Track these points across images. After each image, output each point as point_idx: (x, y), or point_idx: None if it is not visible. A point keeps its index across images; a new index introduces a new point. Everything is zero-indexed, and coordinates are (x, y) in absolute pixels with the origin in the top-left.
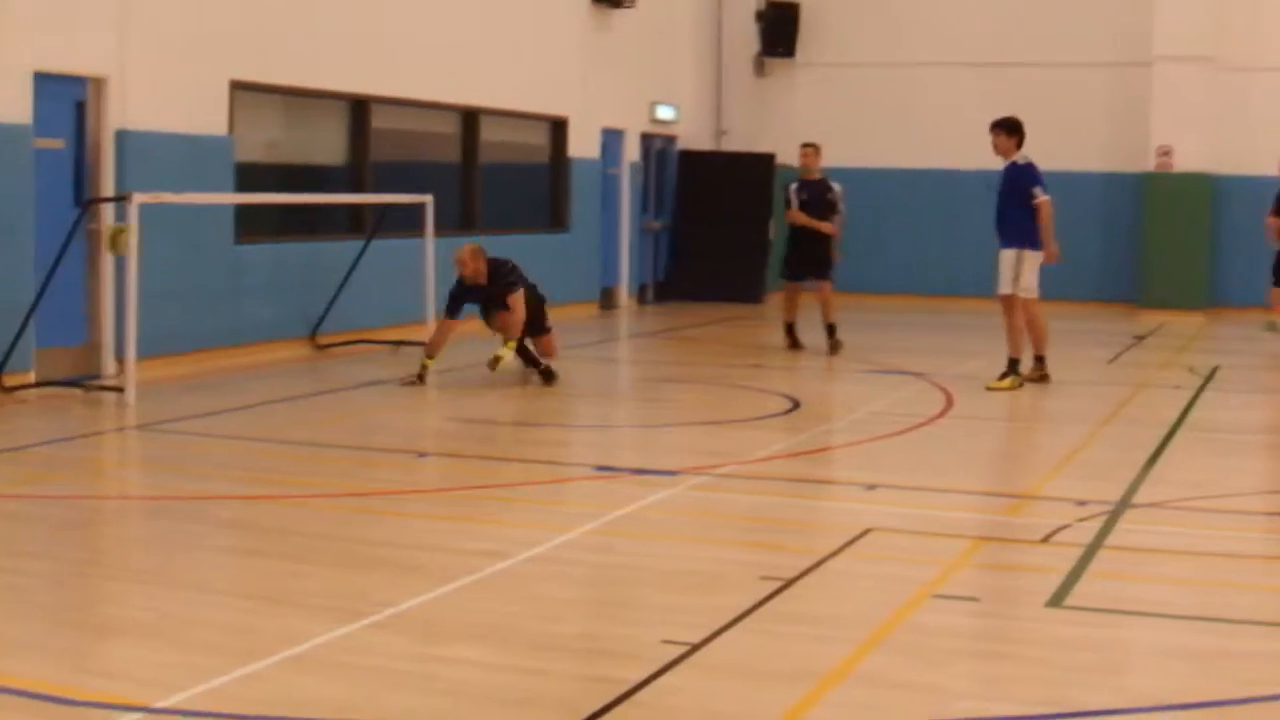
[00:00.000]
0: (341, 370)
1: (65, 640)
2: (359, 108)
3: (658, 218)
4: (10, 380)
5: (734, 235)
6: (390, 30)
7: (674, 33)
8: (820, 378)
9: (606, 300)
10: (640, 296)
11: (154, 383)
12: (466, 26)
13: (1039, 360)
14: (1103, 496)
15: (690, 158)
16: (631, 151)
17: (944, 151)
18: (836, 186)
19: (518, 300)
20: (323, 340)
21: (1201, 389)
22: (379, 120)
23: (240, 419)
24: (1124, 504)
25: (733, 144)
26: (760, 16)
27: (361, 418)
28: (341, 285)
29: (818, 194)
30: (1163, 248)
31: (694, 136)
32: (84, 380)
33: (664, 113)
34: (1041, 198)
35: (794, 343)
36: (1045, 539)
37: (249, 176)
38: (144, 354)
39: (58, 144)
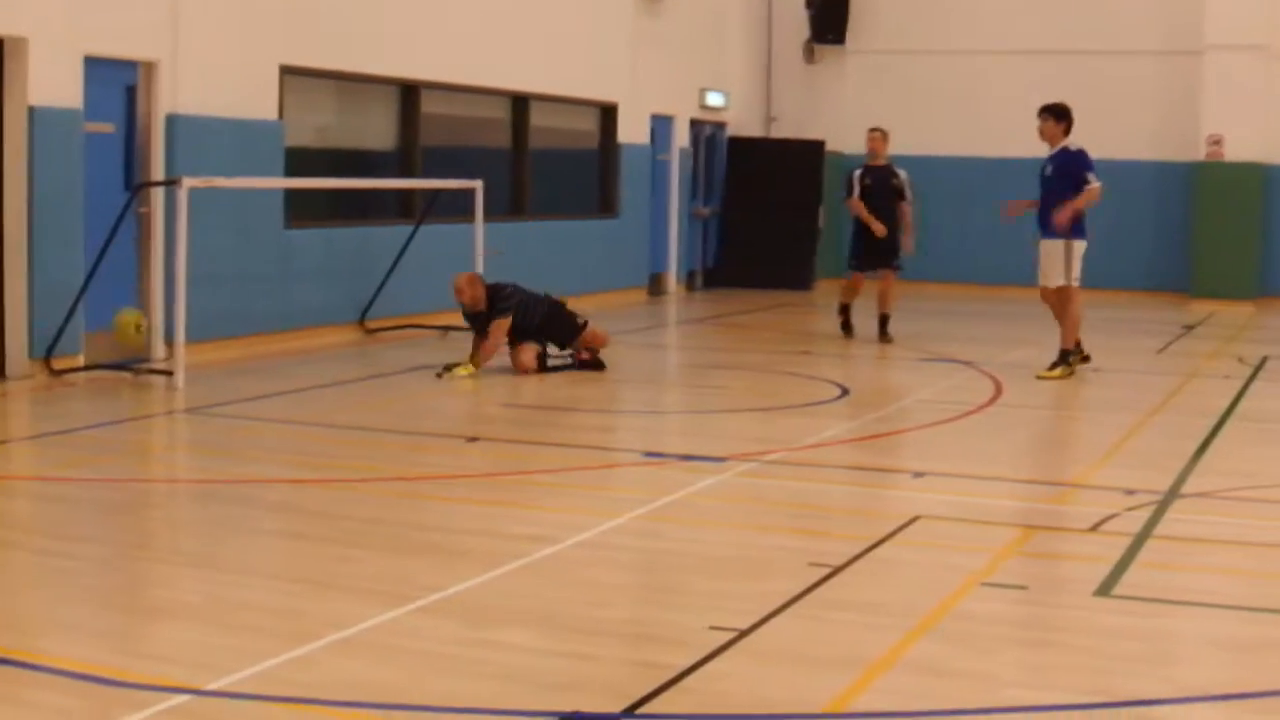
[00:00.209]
0: (390, 355)
1: (114, 623)
2: (409, 93)
3: (707, 204)
4: (59, 364)
5: (783, 222)
6: (440, 15)
7: (724, 19)
8: (869, 365)
9: (655, 286)
10: (689, 283)
11: (203, 366)
12: (517, 12)
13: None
14: (1151, 486)
15: (740, 144)
16: (681, 137)
17: (994, 139)
18: (902, 173)
19: (497, 327)
20: (372, 325)
21: (1251, 379)
22: (429, 105)
23: (289, 403)
24: (1173, 493)
25: (782, 131)
26: (810, 3)
27: (410, 402)
28: (391, 270)
29: (882, 179)
30: (1213, 237)
31: (743, 123)
32: (133, 364)
33: (714, 99)
34: (1095, 184)
35: (846, 325)
36: (1094, 528)
37: (299, 161)
38: (193, 338)
39: (108, 128)
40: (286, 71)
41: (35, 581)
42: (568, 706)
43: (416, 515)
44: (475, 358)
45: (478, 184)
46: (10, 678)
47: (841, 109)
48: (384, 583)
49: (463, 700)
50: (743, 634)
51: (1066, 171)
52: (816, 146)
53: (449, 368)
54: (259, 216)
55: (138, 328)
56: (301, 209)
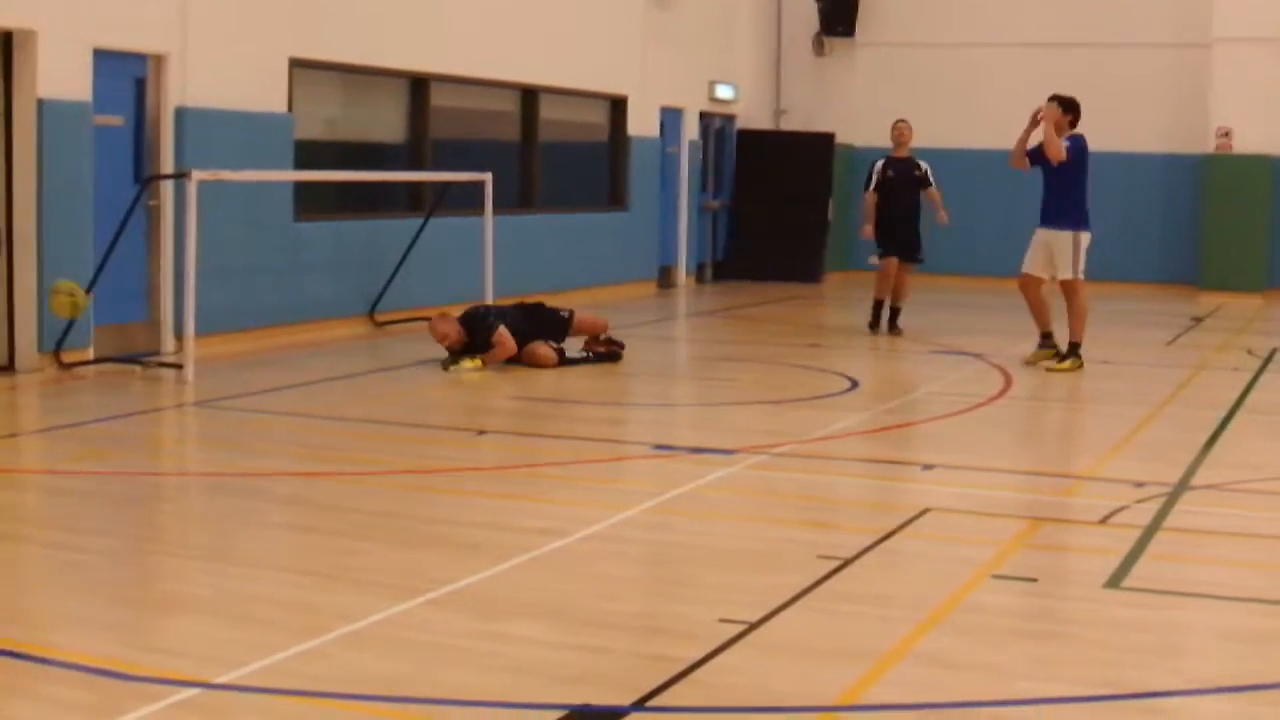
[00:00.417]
0: (400, 348)
1: (124, 616)
2: (418, 86)
3: (716, 197)
4: (69, 357)
5: (792, 215)
6: (450, 8)
7: (733, 11)
8: (879, 358)
9: (664, 279)
10: (698, 275)
11: (213, 359)
12: (526, 4)
13: (1049, 338)
14: (1161, 478)
15: (749, 137)
16: (690, 130)
17: (1003, 132)
18: (924, 164)
19: (500, 336)
20: (381, 318)
21: (1260, 371)
22: (438, 98)
23: (299, 396)
24: (1182, 486)
25: (792, 123)
26: None
27: (420, 395)
28: (400, 263)
29: (905, 171)
30: (1222, 230)
31: (753, 116)
32: (143, 357)
33: (723, 92)
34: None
35: (876, 322)
36: (1103, 520)
37: (308, 154)
38: (203, 331)
39: (117, 121)
40: (296, 64)
41: (46, 576)
42: (577, 699)
43: (426, 508)
44: (484, 357)
45: (487, 177)
46: (21, 671)
47: (851, 102)
48: (394, 575)
49: (472, 693)
50: (752, 627)
51: (1077, 159)
52: (826, 139)
53: (456, 360)
54: (268, 209)
55: (71, 296)
56: (311, 202)
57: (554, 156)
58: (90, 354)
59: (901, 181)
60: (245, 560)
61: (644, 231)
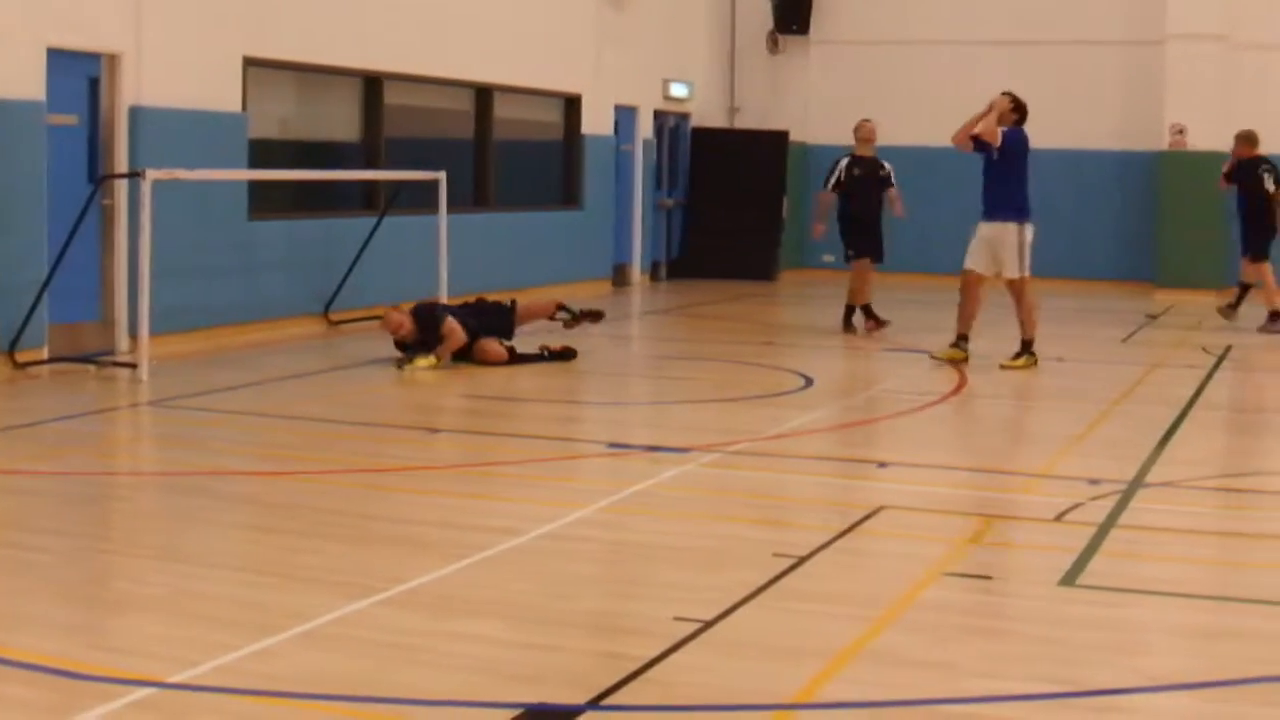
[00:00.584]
0: (354, 347)
1: (77, 615)
2: (372, 84)
3: (671, 195)
4: (23, 356)
5: (747, 213)
6: (404, 6)
7: (687, 9)
8: (833, 356)
9: (619, 277)
10: (653, 274)
11: (167, 358)
12: (480, 3)
13: (964, 339)
14: (1115, 475)
15: (703, 135)
16: (645, 128)
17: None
18: (887, 164)
19: (449, 328)
20: (336, 316)
21: (1215, 368)
22: (392, 97)
23: (253, 395)
24: (1137, 483)
25: (746, 121)
26: None
27: (374, 394)
28: (355, 262)
29: (871, 170)
30: (1177, 227)
31: (707, 113)
32: (97, 356)
33: (677, 90)
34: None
35: (878, 322)
36: (1058, 518)
37: (262, 153)
38: (157, 330)
39: (71, 120)
40: (250, 63)
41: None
42: (533, 698)
43: (380, 507)
44: (437, 351)
45: (441, 175)
46: None
47: (805, 99)
48: (348, 575)
49: (427, 692)
50: (707, 625)
51: (1023, 150)
52: (780, 137)
53: (410, 359)
54: (222, 208)
55: None
56: (265, 201)
57: (508, 155)
58: (44, 353)
59: (868, 181)
60: (199, 559)
61: (598, 230)
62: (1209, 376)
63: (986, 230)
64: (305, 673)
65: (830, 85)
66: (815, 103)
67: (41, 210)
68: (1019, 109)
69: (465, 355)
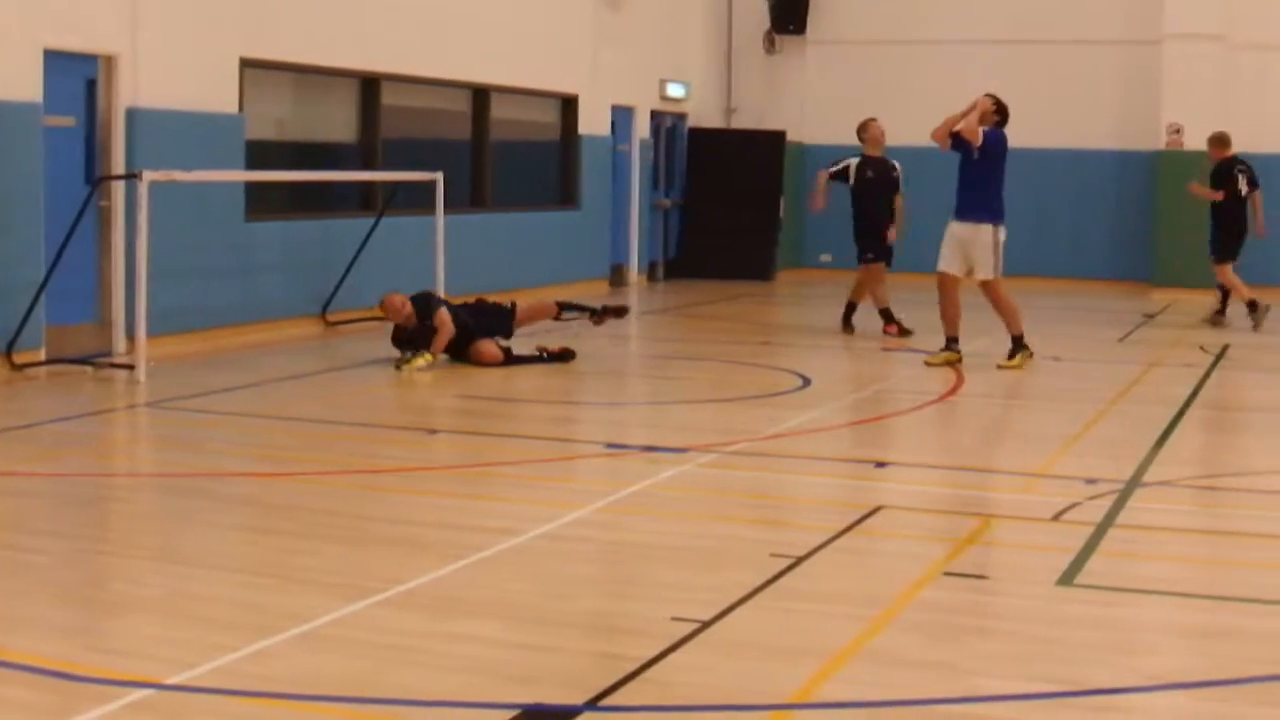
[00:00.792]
0: (352, 347)
1: (75, 617)
2: (369, 85)
3: (668, 195)
4: (20, 358)
5: (744, 213)
6: (400, 7)
7: (684, 9)
8: (830, 356)
9: (616, 277)
10: (650, 274)
11: (164, 360)
12: (477, 4)
13: (955, 341)
14: (1113, 475)
15: (700, 135)
16: (642, 129)
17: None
18: (898, 165)
19: (440, 320)
20: (333, 317)
21: (1212, 368)
22: (389, 98)
23: (250, 396)
24: (1134, 482)
25: (743, 121)
26: None
27: (371, 395)
28: (352, 263)
29: (884, 171)
30: (1174, 226)
31: (704, 114)
32: (94, 358)
33: (674, 90)
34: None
35: (901, 329)
36: (1055, 517)
37: (259, 154)
38: (154, 331)
39: (68, 121)
40: (247, 64)
41: None
42: (530, 698)
43: (378, 508)
44: (431, 346)
45: (438, 176)
46: None
47: (802, 99)
48: (345, 576)
49: (425, 693)
50: (705, 625)
51: (1001, 151)
52: (777, 137)
53: (407, 360)
54: (219, 209)
55: None
56: (262, 202)
57: (505, 155)
58: (42, 355)
59: (880, 183)
60: (197, 561)
61: (595, 230)
62: (1206, 376)
63: (960, 230)
64: (303, 674)
65: (827, 85)
66: (812, 103)
67: (38, 212)
68: (1001, 110)
69: (461, 356)
